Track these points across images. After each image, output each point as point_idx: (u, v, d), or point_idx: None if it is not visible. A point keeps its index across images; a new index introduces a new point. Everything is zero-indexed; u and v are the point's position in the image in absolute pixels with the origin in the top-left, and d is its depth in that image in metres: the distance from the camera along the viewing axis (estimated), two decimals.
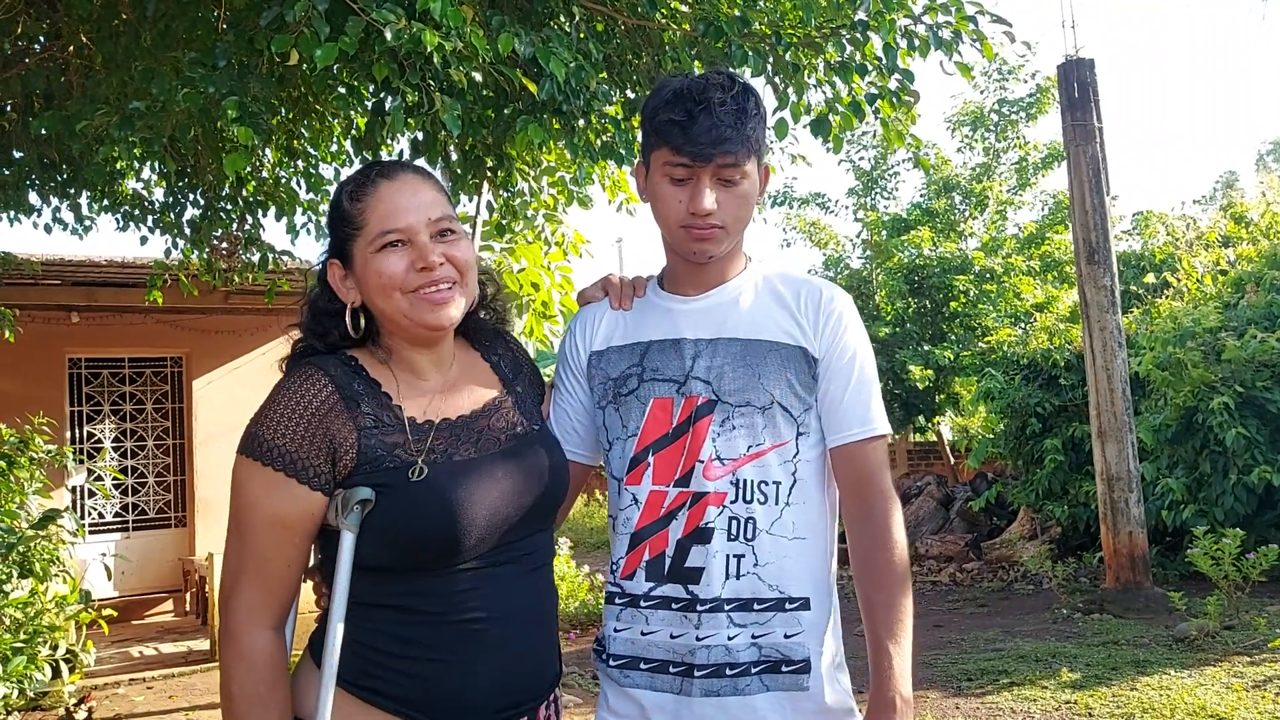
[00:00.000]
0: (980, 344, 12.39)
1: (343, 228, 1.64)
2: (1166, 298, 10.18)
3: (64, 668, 6.08)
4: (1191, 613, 7.07)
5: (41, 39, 4.10)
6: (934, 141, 17.57)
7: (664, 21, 3.45)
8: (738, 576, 1.72)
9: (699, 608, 1.71)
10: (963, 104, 15.47)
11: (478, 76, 2.80)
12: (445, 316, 1.62)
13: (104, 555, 6.78)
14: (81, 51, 3.87)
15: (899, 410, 13.50)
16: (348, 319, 1.65)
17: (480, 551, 1.58)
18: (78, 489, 9.11)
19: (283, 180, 5.53)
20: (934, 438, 15.19)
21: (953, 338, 13.00)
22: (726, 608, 1.72)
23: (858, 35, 3.23)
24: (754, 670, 1.71)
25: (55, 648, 5.96)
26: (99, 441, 9.41)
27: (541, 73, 2.96)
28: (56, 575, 5.95)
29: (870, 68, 3.36)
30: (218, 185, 5.31)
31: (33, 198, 5.49)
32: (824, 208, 15.98)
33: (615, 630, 1.80)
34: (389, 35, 2.56)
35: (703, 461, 1.74)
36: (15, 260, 5.92)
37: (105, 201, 5.74)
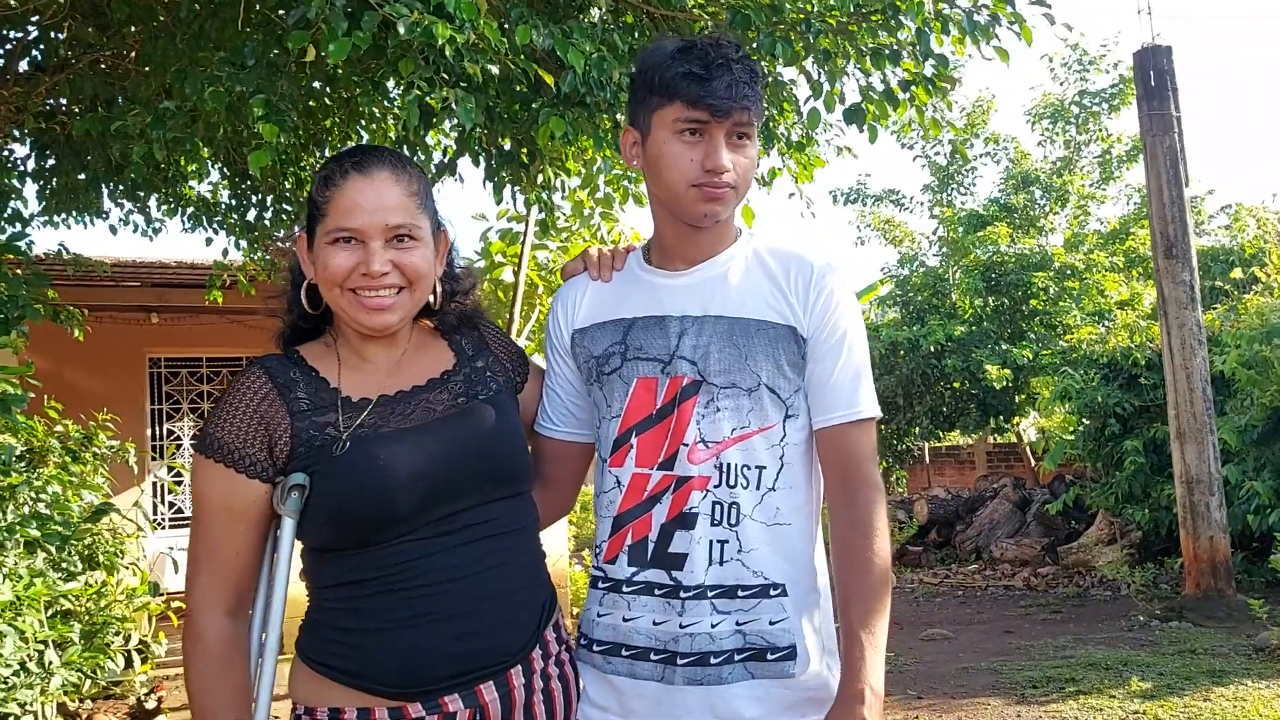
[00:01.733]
0: (1060, 342, 12.03)
1: (311, 209, 1.66)
2: (1254, 293, 9.76)
3: (135, 658, 6.26)
4: (1274, 621, 6.76)
5: (104, 42, 4.20)
6: (1013, 135, 17.12)
7: (695, 12, 3.40)
8: (721, 563, 1.67)
9: (682, 594, 1.67)
10: (1042, 96, 15.08)
11: (494, 69, 2.78)
12: (380, 321, 1.63)
13: (172, 549, 6.96)
14: (131, 55, 3.97)
15: (975, 411, 13.19)
16: (302, 294, 1.69)
17: (422, 523, 1.58)
18: (157, 485, 9.39)
19: None
20: (1014, 439, 14.84)
21: (1032, 336, 12.65)
22: (710, 595, 1.66)
23: (889, 20, 3.14)
24: (738, 658, 1.66)
25: (128, 639, 6.15)
26: (179, 438, 9.68)
27: (563, 65, 2.93)
28: (127, 568, 6.13)
29: (903, 53, 3.25)
30: (278, 186, 5.40)
31: (105, 201, 5.65)
32: (898, 204, 15.72)
33: (598, 616, 1.75)
34: (402, 29, 2.55)
35: (687, 445, 1.68)
36: (87, 262, 6.10)
37: (171, 203, 5.88)
